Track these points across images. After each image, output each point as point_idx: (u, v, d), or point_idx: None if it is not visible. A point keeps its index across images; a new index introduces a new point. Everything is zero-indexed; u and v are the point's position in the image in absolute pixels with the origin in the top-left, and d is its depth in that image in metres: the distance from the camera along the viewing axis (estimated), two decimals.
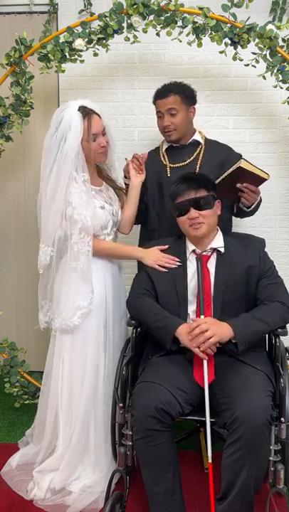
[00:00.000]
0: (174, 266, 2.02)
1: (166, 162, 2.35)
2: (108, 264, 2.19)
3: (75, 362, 2.11)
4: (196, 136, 2.36)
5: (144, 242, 2.37)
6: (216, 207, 2.00)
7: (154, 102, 2.33)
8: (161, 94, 2.29)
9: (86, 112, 2.04)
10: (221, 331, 1.80)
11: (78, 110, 2.03)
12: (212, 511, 1.73)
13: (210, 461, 1.76)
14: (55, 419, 2.15)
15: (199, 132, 2.40)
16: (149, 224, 2.41)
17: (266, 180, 2.11)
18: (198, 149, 2.34)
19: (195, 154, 2.33)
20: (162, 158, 2.37)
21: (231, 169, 2.09)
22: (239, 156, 2.24)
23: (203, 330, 1.79)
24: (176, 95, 2.26)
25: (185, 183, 1.98)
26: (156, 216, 2.37)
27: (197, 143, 2.35)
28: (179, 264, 2.02)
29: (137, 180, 2.28)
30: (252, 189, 2.13)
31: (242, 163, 2.05)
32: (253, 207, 2.24)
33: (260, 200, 2.31)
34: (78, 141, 2.01)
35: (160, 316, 1.94)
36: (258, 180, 2.11)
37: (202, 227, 1.95)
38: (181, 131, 2.30)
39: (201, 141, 2.36)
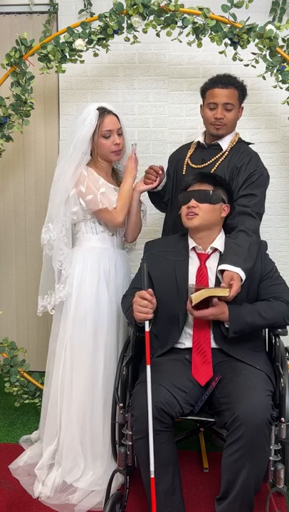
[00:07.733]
0: None
1: (187, 158, 2.30)
2: (106, 260, 2.18)
3: (72, 352, 2.12)
4: (224, 140, 2.23)
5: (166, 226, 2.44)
6: (219, 206, 1.99)
7: (207, 90, 2.19)
8: (222, 83, 2.15)
9: (103, 111, 2.13)
10: (221, 311, 1.84)
11: (97, 109, 2.13)
12: None
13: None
14: (55, 419, 2.15)
15: (236, 134, 2.29)
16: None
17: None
18: (220, 154, 2.22)
19: (214, 159, 2.22)
20: (188, 152, 2.32)
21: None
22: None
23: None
24: (236, 90, 2.17)
25: (194, 177, 2.03)
26: (168, 204, 2.38)
27: (220, 148, 2.23)
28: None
29: (141, 187, 2.25)
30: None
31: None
32: None
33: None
34: (89, 135, 2.11)
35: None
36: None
37: (195, 218, 1.96)
38: (229, 128, 2.21)
39: (225, 147, 2.22)
